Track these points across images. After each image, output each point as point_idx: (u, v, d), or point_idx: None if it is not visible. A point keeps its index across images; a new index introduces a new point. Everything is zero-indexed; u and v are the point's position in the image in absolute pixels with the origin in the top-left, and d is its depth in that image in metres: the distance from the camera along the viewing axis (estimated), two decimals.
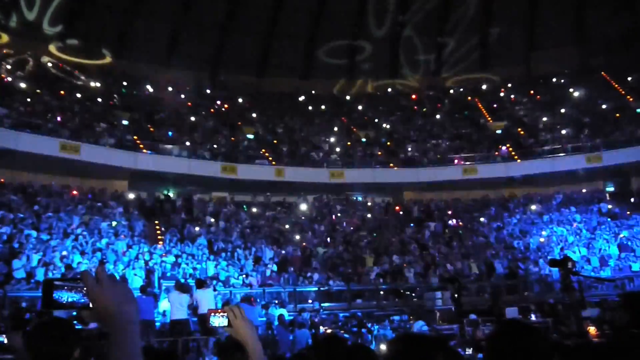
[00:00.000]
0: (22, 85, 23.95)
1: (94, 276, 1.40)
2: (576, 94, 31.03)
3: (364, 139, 29.58)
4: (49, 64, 27.38)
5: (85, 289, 1.40)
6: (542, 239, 22.55)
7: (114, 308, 1.36)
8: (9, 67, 24.91)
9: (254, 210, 24.12)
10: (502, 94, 33.68)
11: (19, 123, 20.43)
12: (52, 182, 20.91)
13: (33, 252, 15.06)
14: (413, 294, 19.14)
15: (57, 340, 2.33)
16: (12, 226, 16.47)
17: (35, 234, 16.24)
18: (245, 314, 2.17)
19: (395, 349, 2.21)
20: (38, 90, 24.22)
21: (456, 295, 11.23)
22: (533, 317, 14.96)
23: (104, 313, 1.37)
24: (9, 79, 23.99)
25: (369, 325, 14.53)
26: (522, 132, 29.48)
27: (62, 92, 25.14)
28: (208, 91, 31.81)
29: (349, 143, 29.06)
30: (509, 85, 34.21)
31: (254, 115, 30.14)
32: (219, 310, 2.17)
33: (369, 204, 26.94)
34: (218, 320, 2.15)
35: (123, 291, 1.41)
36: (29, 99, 23.07)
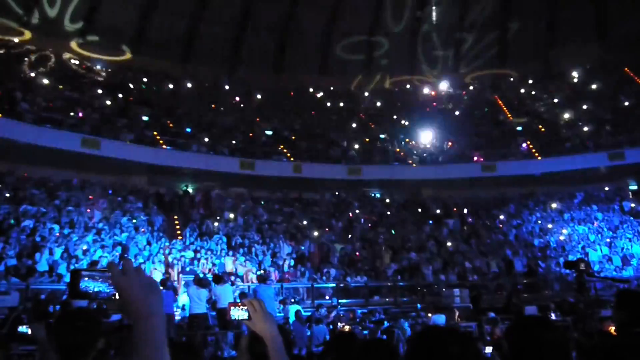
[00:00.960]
0: (44, 81, 24.26)
1: (120, 267, 1.41)
2: (597, 90, 30.54)
3: (381, 135, 29.46)
4: (70, 60, 27.72)
5: (111, 279, 1.41)
6: (562, 237, 22.28)
7: (139, 299, 1.37)
8: (31, 63, 25.27)
9: (272, 206, 24.17)
10: (522, 90, 33.28)
11: (41, 118, 20.72)
12: (74, 178, 21.14)
13: (55, 245, 15.27)
14: (430, 291, 19.05)
15: (81, 331, 2.38)
16: (34, 220, 16.73)
17: (57, 228, 16.47)
18: (262, 292, 2.18)
19: (413, 343, 2.23)
20: (60, 86, 24.53)
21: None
22: (553, 316, 14.78)
23: (129, 304, 1.38)
24: (32, 74, 24.32)
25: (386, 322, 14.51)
26: (542, 129, 29.10)
27: (82, 87, 25.41)
28: (226, 87, 31.92)
29: (366, 139, 28.97)
30: (529, 81, 33.80)
31: (272, 111, 30.19)
32: (239, 304, 2.18)
33: (387, 200, 26.85)
34: (238, 313, 2.16)
35: (148, 282, 1.42)
36: (50, 95, 23.37)
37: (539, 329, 2.12)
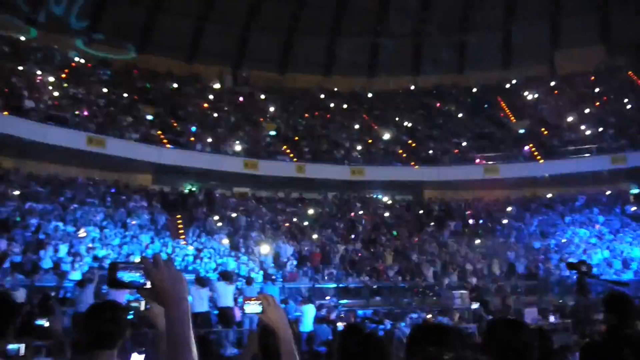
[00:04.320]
0: (50, 78, 24.44)
1: (152, 260, 1.61)
2: (601, 93, 30.58)
3: (384, 137, 29.58)
4: (76, 58, 27.90)
5: (144, 271, 1.60)
6: (563, 240, 22.37)
7: (169, 287, 1.58)
8: (37, 60, 25.44)
9: (274, 206, 24.32)
10: (525, 93, 33.32)
11: (47, 116, 20.89)
12: (79, 176, 21.31)
13: (60, 243, 15.45)
14: (431, 293, 19.17)
15: (111, 321, 2.57)
16: (39, 218, 16.91)
17: (62, 226, 16.65)
18: (268, 292, 2.33)
19: (413, 335, 2.43)
20: (65, 84, 24.70)
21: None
22: (552, 319, 14.88)
23: (161, 291, 1.58)
24: (38, 72, 24.50)
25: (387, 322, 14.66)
26: (545, 132, 29.17)
27: (88, 85, 25.59)
28: (230, 87, 32.07)
29: (369, 140, 29.08)
30: (532, 83, 33.83)
31: (276, 111, 30.34)
32: (253, 298, 2.31)
33: (389, 201, 26.96)
34: (252, 308, 2.29)
35: (176, 273, 1.63)
36: (56, 93, 23.54)
37: (510, 331, 2.32)
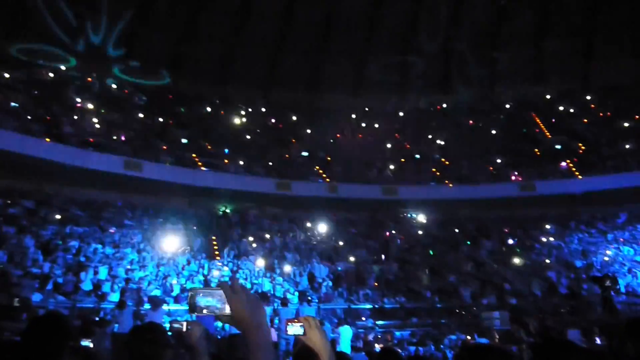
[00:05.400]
0: (89, 105, 25.20)
1: (230, 286, 1.63)
2: (638, 106, 29.81)
3: (417, 155, 29.38)
4: (113, 85, 28.74)
5: (224, 297, 1.61)
6: (606, 258, 21.66)
7: (248, 312, 1.60)
8: (76, 88, 26.30)
9: (308, 226, 24.31)
10: (560, 108, 32.74)
11: (85, 142, 21.50)
12: (117, 199, 21.75)
13: (100, 265, 15.73)
14: (469, 313, 18.75)
15: (152, 342, 2.65)
16: (79, 240, 17.29)
17: (101, 248, 16.97)
18: (304, 313, 2.29)
19: (458, 357, 2.35)
20: (102, 110, 25.42)
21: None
22: (598, 340, 14.34)
23: (240, 317, 1.60)
24: (77, 99, 25.30)
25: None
26: (582, 147, 28.51)
27: (124, 111, 26.28)
28: (262, 109, 32.46)
29: (402, 159, 28.92)
30: (568, 98, 33.24)
31: (307, 131, 30.52)
32: (295, 320, 2.28)
33: (423, 220, 26.65)
34: (294, 329, 2.26)
35: (254, 299, 1.64)
36: (94, 119, 24.24)
37: (564, 354, 2.17)
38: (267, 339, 1.61)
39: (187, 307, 1.67)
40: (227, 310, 1.61)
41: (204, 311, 1.64)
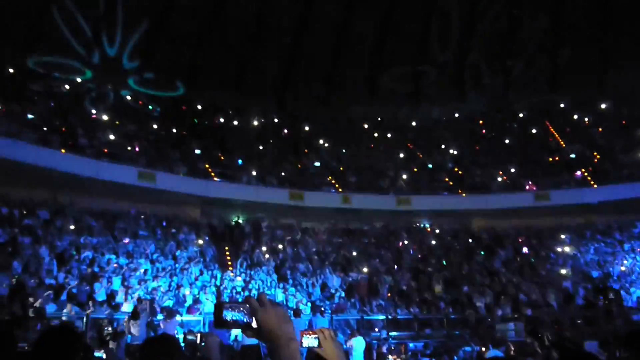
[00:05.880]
0: (104, 117, 25.49)
1: (258, 300, 1.62)
2: None
3: (430, 165, 29.26)
4: (127, 97, 29.05)
5: (251, 311, 1.60)
6: (623, 268, 21.33)
7: (277, 326, 1.57)
8: (91, 100, 26.64)
9: (321, 237, 24.27)
10: (575, 117, 32.46)
11: (100, 153, 21.73)
12: (131, 209, 21.91)
13: (114, 275, 15.82)
14: (484, 324, 18.52)
15: (165, 354, 2.65)
16: (93, 251, 17.41)
17: (114, 259, 17.08)
18: (318, 324, 2.26)
19: None
20: (117, 122, 25.70)
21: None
22: (617, 353, 14.08)
23: (268, 331, 1.57)
24: (92, 111, 25.61)
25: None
26: (597, 156, 28.21)
27: (139, 122, 26.55)
28: (275, 119, 32.58)
29: (415, 169, 28.82)
30: (582, 106, 32.94)
31: (320, 142, 30.56)
32: (310, 332, 2.27)
33: (437, 231, 26.48)
34: (308, 341, 2.25)
35: (283, 313, 1.62)
36: (109, 130, 24.51)
37: None
38: (297, 354, 1.58)
39: (214, 321, 1.67)
40: (254, 324, 1.60)
41: (231, 325, 1.64)
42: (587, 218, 25.86)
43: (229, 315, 1.61)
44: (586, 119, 32.00)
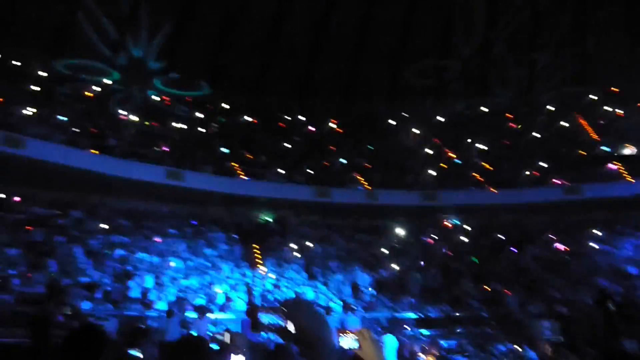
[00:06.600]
0: (131, 117, 25.77)
1: (294, 303, 1.57)
2: None
3: (457, 160, 28.91)
4: (154, 97, 29.32)
5: (287, 314, 1.57)
6: None
7: (313, 329, 1.57)
8: (119, 101, 26.95)
9: (348, 234, 24.18)
10: (606, 108, 31.73)
11: (128, 152, 21.96)
12: (162, 208, 22.10)
13: (146, 273, 15.99)
14: (517, 322, 18.22)
15: (196, 353, 2.72)
16: (125, 250, 17.63)
17: (147, 257, 17.25)
18: (350, 322, 2.19)
19: None
20: (145, 122, 25.95)
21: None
22: None
23: (305, 334, 1.57)
24: (120, 111, 25.91)
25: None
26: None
27: (165, 122, 26.76)
28: (299, 117, 32.55)
29: (441, 164, 28.51)
30: (612, 98, 32.18)
31: (345, 138, 30.44)
32: (348, 332, 2.22)
33: (465, 226, 26.15)
34: (347, 342, 2.20)
35: (320, 316, 1.61)
36: (137, 130, 24.76)
37: None
38: (334, 352, 1.56)
39: (251, 325, 1.63)
40: (291, 327, 1.57)
41: (268, 329, 1.60)
42: (621, 212, 25.26)
43: (265, 318, 1.59)
44: (617, 111, 31.22)
